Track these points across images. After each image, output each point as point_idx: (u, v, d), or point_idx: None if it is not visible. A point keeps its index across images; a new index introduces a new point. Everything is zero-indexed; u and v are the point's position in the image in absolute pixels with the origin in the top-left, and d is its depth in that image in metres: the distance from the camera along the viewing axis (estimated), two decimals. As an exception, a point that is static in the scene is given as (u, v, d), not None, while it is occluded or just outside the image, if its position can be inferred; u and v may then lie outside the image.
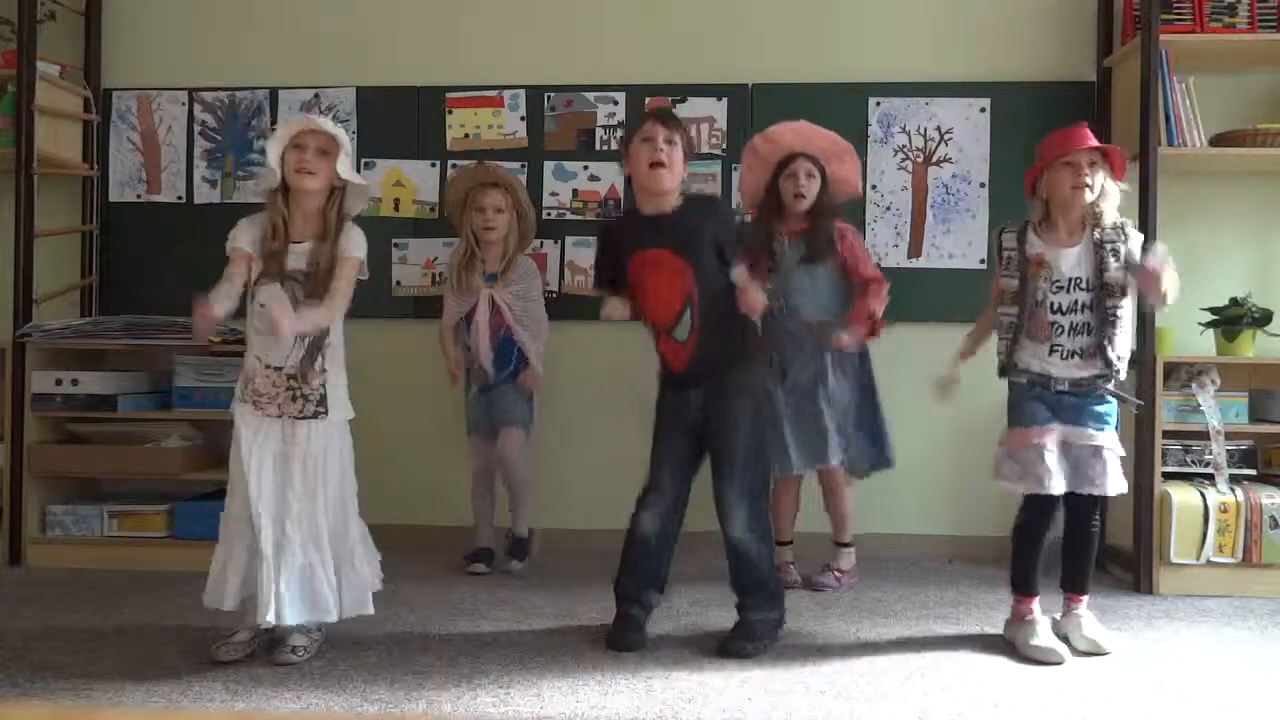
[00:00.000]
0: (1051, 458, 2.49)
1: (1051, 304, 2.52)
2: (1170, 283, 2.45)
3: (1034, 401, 2.54)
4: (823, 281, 3.14)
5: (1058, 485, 2.49)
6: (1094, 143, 2.50)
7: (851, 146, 3.21)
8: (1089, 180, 2.47)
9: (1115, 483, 2.51)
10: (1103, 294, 2.50)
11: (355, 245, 2.48)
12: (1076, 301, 2.51)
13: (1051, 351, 2.52)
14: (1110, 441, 2.53)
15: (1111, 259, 2.50)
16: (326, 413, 2.47)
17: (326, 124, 2.45)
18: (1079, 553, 2.59)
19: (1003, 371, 2.63)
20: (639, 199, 2.61)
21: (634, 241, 2.58)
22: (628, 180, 2.65)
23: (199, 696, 2.19)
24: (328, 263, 2.44)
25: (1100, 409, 2.53)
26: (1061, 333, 2.51)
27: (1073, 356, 2.51)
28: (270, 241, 2.46)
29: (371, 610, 2.51)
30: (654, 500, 2.60)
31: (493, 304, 3.32)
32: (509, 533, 3.40)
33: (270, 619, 2.33)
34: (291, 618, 2.37)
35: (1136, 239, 2.55)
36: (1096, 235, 2.51)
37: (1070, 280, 2.51)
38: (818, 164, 3.12)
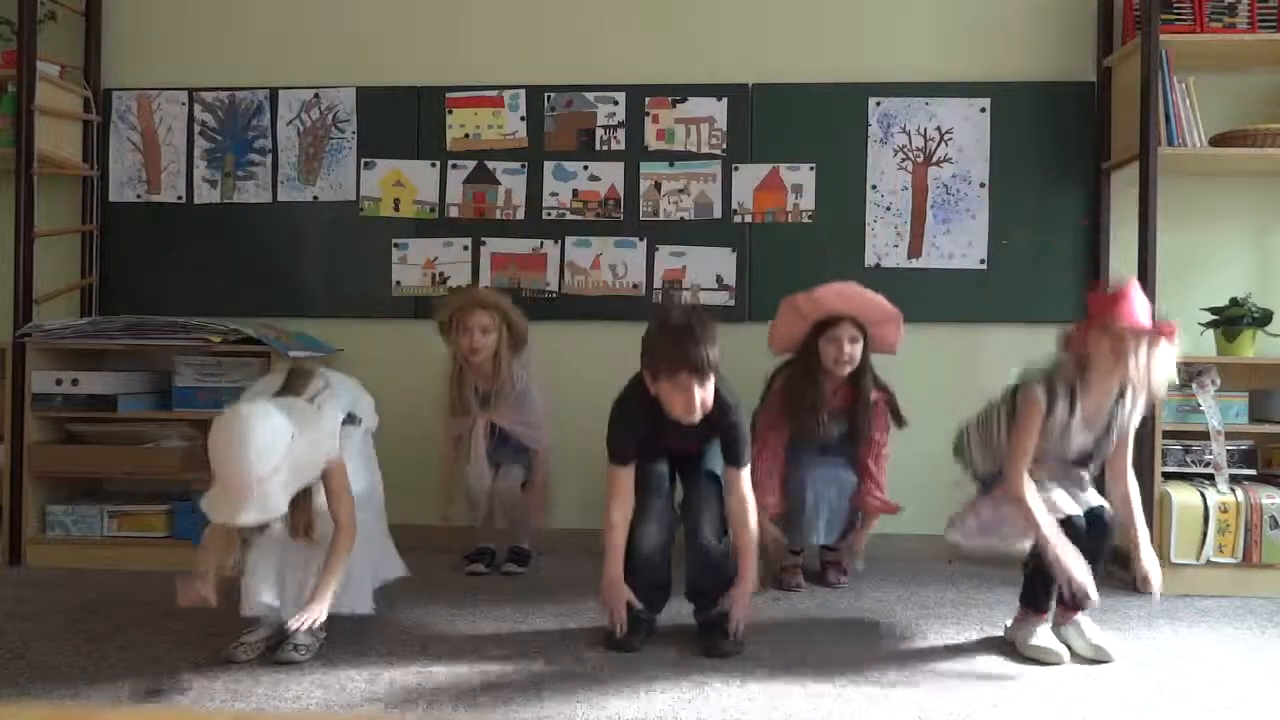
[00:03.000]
0: (1059, 494, 2.51)
1: (1056, 457, 2.54)
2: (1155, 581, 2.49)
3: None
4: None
5: (1073, 507, 2.50)
6: (1140, 316, 2.38)
7: (898, 313, 3.10)
8: (1134, 352, 2.36)
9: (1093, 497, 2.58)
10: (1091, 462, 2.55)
11: (324, 454, 2.36)
12: (1077, 447, 2.54)
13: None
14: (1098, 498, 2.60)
15: (1116, 434, 2.52)
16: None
17: (256, 519, 2.22)
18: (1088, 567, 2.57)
19: (960, 454, 2.73)
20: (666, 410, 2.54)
21: (655, 435, 2.60)
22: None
23: (199, 696, 2.19)
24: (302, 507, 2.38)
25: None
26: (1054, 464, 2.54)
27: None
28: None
29: (369, 609, 2.51)
30: (650, 508, 2.62)
31: (490, 429, 3.26)
32: (511, 545, 3.40)
33: (264, 613, 2.36)
34: (278, 612, 2.40)
35: (1141, 408, 2.53)
36: (1116, 408, 2.49)
37: (1074, 453, 2.53)
38: (861, 328, 3.06)
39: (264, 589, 2.40)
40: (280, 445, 2.20)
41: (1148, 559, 2.50)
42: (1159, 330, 2.38)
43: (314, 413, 2.37)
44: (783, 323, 3.16)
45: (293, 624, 2.30)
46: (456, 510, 3.33)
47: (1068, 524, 2.48)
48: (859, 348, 3.06)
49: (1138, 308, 2.39)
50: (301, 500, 2.33)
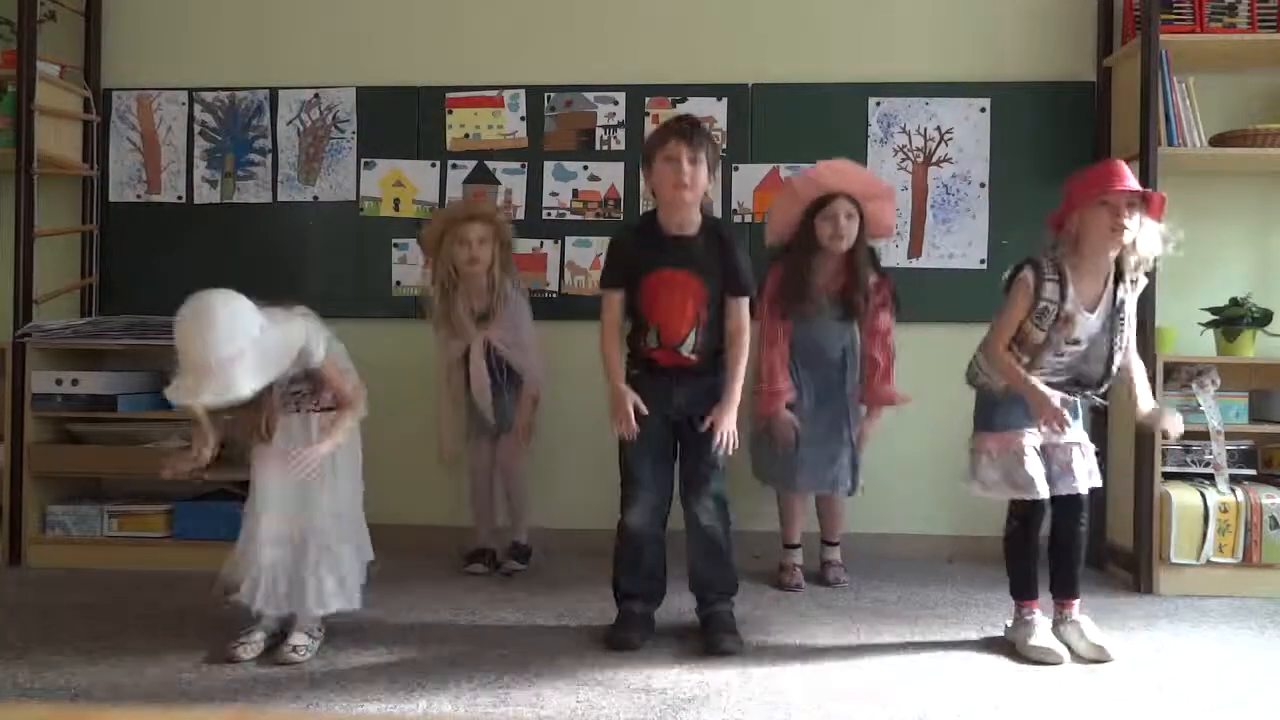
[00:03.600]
0: (1033, 461, 2.50)
1: (1058, 352, 2.52)
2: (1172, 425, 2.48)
3: (1010, 405, 2.53)
4: (851, 332, 3.17)
5: (1044, 489, 2.49)
6: (1134, 184, 2.41)
7: (891, 188, 3.18)
8: (1127, 222, 2.39)
9: (1095, 478, 2.56)
10: (1110, 347, 2.50)
11: (313, 356, 2.39)
12: (1078, 353, 2.52)
13: (1034, 374, 2.50)
14: (1085, 437, 2.57)
15: (1123, 323, 2.50)
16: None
17: (215, 398, 2.21)
18: (1069, 556, 2.58)
19: (973, 378, 2.65)
20: (660, 212, 2.61)
21: (652, 260, 2.59)
22: (652, 193, 2.65)
23: (199, 696, 2.19)
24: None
25: (1072, 403, 2.56)
26: (1050, 371, 2.53)
27: (1052, 385, 2.51)
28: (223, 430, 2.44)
29: (357, 605, 2.52)
30: (639, 497, 2.60)
31: (488, 348, 3.24)
32: (511, 541, 3.40)
33: (259, 607, 2.38)
34: (273, 607, 2.41)
35: (1140, 286, 2.53)
36: (1120, 294, 2.48)
37: (1084, 340, 2.51)
38: (856, 204, 3.07)
39: (258, 597, 2.41)
40: (243, 329, 2.21)
41: (1146, 405, 2.50)
42: (1151, 196, 2.42)
43: (288, 315, 2.38)
44: (779, 209, 3.17)
45: (293, 461, 2.34)
46: (459, 446, 3.34)
47: (1034, 507, 2.50)
48: (855, 224, 3.06)
49: (1130, 176, 2.41)
50: (262, 403, 2.34)
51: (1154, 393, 3.09)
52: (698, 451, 2.61)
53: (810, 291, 3.06)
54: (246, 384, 2.21)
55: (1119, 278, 2.48)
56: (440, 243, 3.24)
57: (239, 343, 2.19)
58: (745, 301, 2.60)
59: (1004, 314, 2.53)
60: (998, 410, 2.57)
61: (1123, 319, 2.49)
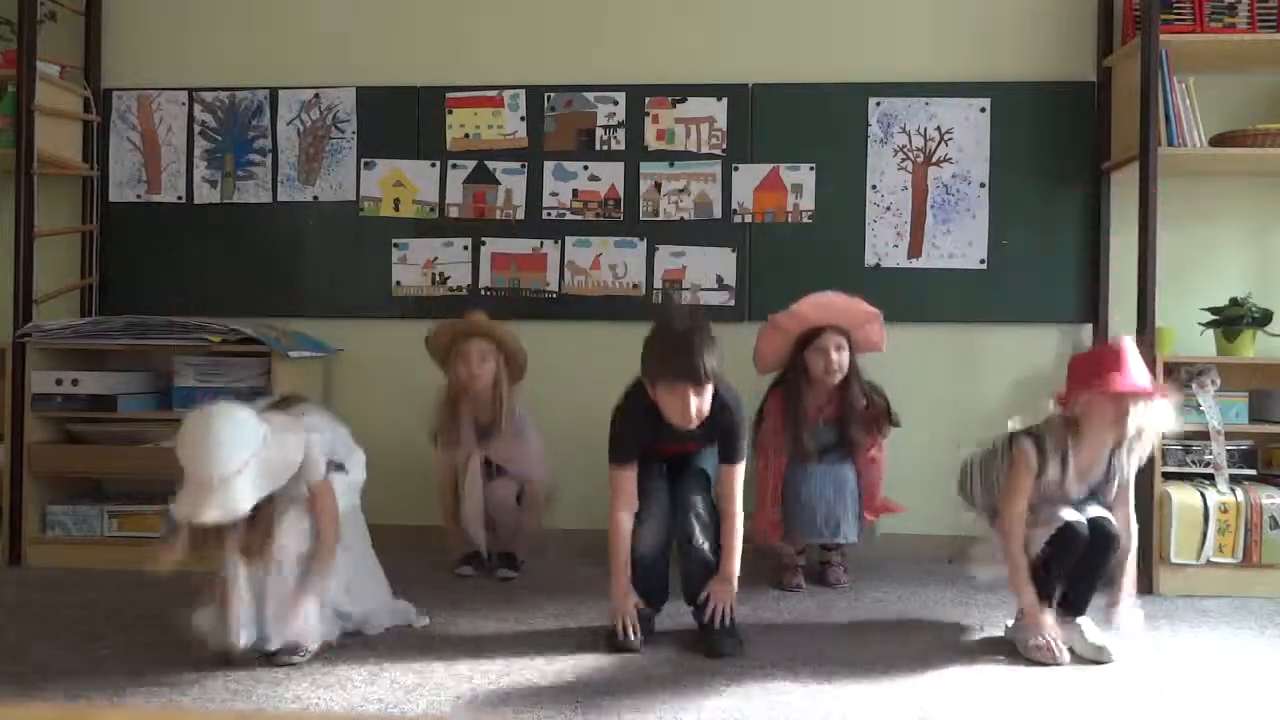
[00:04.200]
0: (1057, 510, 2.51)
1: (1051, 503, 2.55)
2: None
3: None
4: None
5: (1073, 514, 2.50)
6: (1139, 377, 2.39)
7: (877, 313, 3.14)
8: (1132, 413, 2.40)
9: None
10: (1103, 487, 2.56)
11: (313, 471, 2.40)
12: (1082, 491, 2.57)
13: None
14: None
15: (1116, 484, 2.55)
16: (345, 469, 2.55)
17: (219, 516, 2.21)
18: (1087, 583, 2.55)
19: (969, 502, 2.75)
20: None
21: (656, 437, 2.62)
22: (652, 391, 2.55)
23: (199, 696, 2.19)
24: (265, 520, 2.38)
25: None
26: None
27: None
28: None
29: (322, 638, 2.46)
30: (645, 524, 2.62)
31: (486, 465, 3.22)
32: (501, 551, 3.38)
33: (244, 644, 2.32)
34: (254, 641, 2.36)
35: (1141, 455, 2.56)
36: (1113, 460, 2.52)
37: (1077, 496, 2.55)
38: (845, 334, 3.09)
39: (242, 630, 2.33)
40: (246, 443, 2.21)
41: (1126, 605, 2.52)
42: (1158, 392, 2.42)
43: (290, 420, 2.39)
44: (766, 341, 3.19)
45: (274, 645, 2.33)
46: (461, 545, 3.31)
47: (1069, 530, 2.48)
48: (846, 354, 3.09)
49: (1136, 370, 2.40)
50: (261, 515, 2.32)
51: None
52: (685, 470, 2.67)
53: (808, 429, 3.09)
54: (249, 500, 2.22)
55: (1116, 449, 2.52)
56: (448, 354, 3.23)
57: (242, 457, 2.20)
58: (739, 469, 2.62)
59: (1012, 484, 2.54)
60: None
61: (1110, 488, 2.54)
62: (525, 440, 3.27)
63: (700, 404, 2.47)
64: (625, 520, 2.58)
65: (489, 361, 3.19)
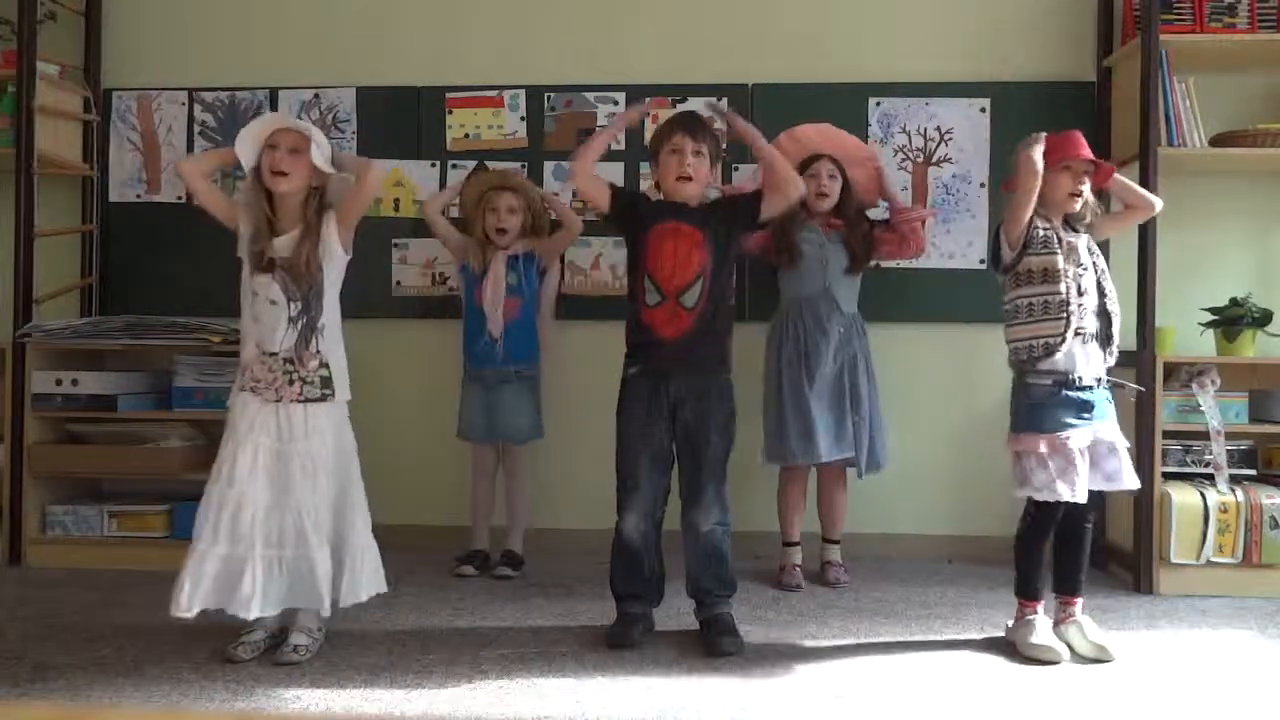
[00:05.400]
0: (1084, 463, 2.49)
1: (1077, 286, 2.54)
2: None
3: (1060, 405, 2.50)
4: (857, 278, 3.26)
5: (1084, 492, 2.49)
6: (1088, 153, 2.58)
7: (876, 155, 3.29)
8: (1083, 188, 2.58)
9: (1131, 477, 2.54)
10: (1100, 278, 2.60)
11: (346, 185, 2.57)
12: (1091, 283, 2.57)
13: (1076, 334, 2.50)
14: (1118, 434, 2.56)
15: (1096, 260, 2.61)
16: (333, 394, 2.51)
17: (296, 122, 2.51)
18: (1075, 552, 2.58)
19: (1021, 370, 2.59)
20: (665, 195, 2.70)
21: (656, 216, 2.66)
22: (656, 184, 2.75)
23: (199, 696, 2.19)
24: (312, 254, 2.48)
25: (1108, 403, 2.57)
26: (1084, 313, 2.53)
27: (1092, 341, 2.54)
28: (254, 243, 2.48)
29: (364, 598, 2.48)
30: (635, 501, 2.60)
31: (509, 260, 3.30)
32: (505, 548, 3.38)
33: (254, 612, 2.33)
34: (273, 608, 2.38)
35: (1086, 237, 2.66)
36: (1074, 240, 2.60)
37: (1089, 264, 2.58)
38: (840, 166, 3.21)
39: (196, 599, 2.34)
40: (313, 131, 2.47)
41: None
42: (1104, 165, 2.62)
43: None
44: None
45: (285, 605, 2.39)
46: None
47: (1055, 508, 2.49)
48: (837, 184, 3.20)
49: (1080, 146, 2.57)
50: (308, 236, 2.48)
51: (1153, 392, 3.10)
52: (697, 459, 2.62)
53: (794, 244, 3.16)
54: (311, 135, 2.44)
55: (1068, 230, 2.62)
56: (478, 205, 3.33)
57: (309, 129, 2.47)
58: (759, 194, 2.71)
59: (1014, 197, 2.60)
60: (1045, 411, 2.51)
61: (1095, 258, 2.60)
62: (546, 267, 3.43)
63: (696, 162, 2.59)
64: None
65: (516, 214, 3.32)
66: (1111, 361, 2.58)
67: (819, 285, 3.18)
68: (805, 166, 3.16)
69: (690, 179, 2.61)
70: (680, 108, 3.65)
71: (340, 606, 2.46)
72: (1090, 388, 2.52)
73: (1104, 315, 2.57)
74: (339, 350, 2.56)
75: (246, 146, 2.46)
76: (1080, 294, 2.53)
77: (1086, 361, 2.52)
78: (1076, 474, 2.47)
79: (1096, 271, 2.58)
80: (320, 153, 2.46)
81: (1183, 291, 3.41)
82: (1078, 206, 2.59)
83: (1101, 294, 2.57)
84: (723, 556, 2.60)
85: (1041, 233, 2.55)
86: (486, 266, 3.29)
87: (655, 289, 2.61)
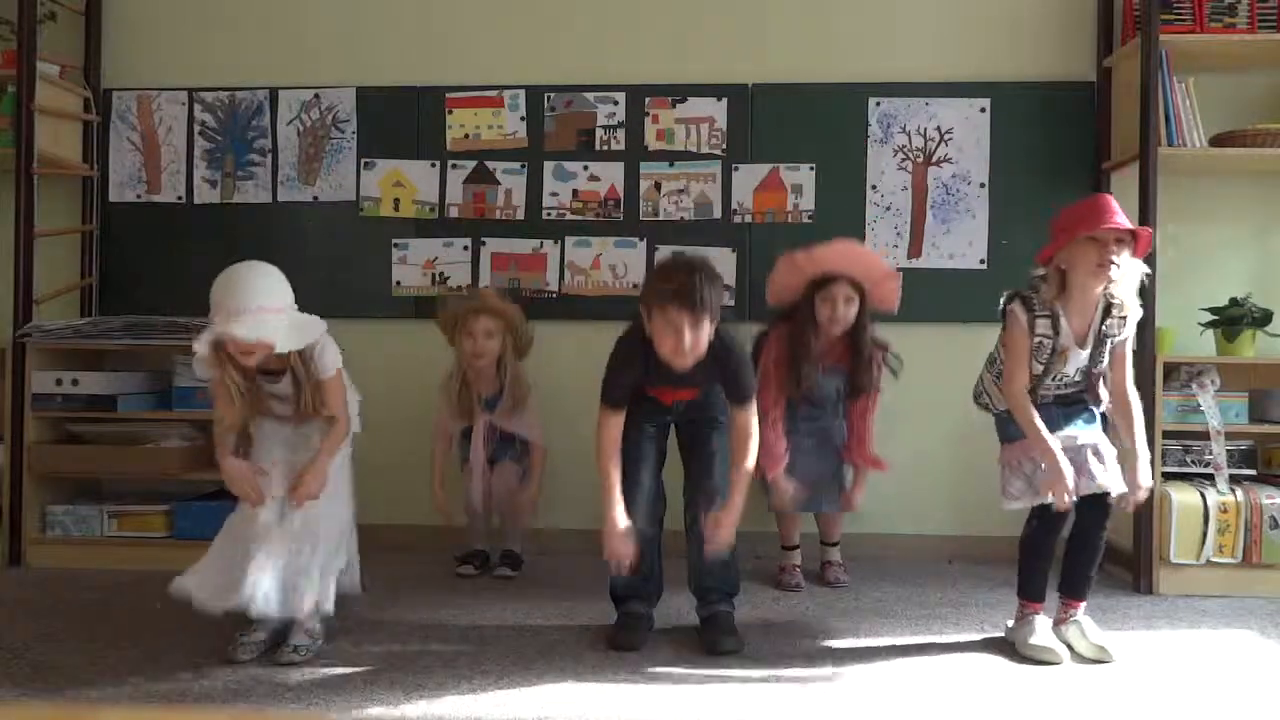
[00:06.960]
0: (1066, 467, 2.47)
1: (1057, 382, 2.55)
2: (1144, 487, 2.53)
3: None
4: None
5: (1063, 497, 2.48)
6: (1122, 220, 2.40)
7: (895, 272, 3.12)
8: (1115, 259, 2.39)
9: (1115, 480, 2.51)
10: (1091, 378, 2.56)
11: (329, 364, 2.48)
12: (1074, 384, 2.57)
13: (1043, 404, 2.54)
14: (1104, 439, 2.55)
15: (1107, 356, 2.54)
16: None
17: (247, 334, 2.29)
18: (1085, 558, 2.56)
19: (977, 397, 2.73)
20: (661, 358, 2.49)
21: (651, 383, 2.59)
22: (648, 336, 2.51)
23: (199, 696, 2.19)
24: (308, 386, 2.46)
25: (1087, 410, 2.58)
26: (1050, 397, 2.56)
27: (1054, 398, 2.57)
28: (241, 404, 2.44)
29: (330, 607, 2.47)
30: (634, 500, 2.58)
31: (490, 430, 3.26)
32: (504, 548, 3.38)
33: (259, 608, 2.34)
34: (274, 609, 2.38)
35: (1134, 319, 2.54)
36: (1104, 327, 2.50)
37: (1074, 374, 2.54)
38: (858, 287, 3.04)
39: (205, 589, 2.37)
40: (279, 292, 2.36)
41: (1143, 474, 2.50)
42: (1140, 233, 2.43)
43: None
44: (780, 276, 3.14)
45: (292, 506, 2.41)
46: (456, 515, 3.32)
47: (1047, 510, 2.49)
48: (853, 309, 3.04)
49: (1118, 211, 2.41)
50: (307, 377, 2.43)
51: (1153, 393, 3.10)
52: (702, 458, 2.61)
53: (807, 375, 3.04)
54: (278, 336, 2.29)
55: (1106, 313, 2.50)
56: (455, 330, 3.26)
57: (278, 300, 2.31)
58: (751, 408, 2.52)
59: (1010, 352, 2.54)
60: (1011, 424, 2.56)
61: (1103, 352, 2.53)
62: (527, 410, 3.31)
63: (695, 339, 2.36)
64: (612, 468, 2.49)
65: (494, 339, 3.22)
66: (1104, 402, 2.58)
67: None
68: (820, 286, 3.02)
69: (686, 356, 2.40)
70: (680, 108, 3.66)
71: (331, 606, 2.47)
72: (1053, 403, 2.55)
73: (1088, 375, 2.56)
74: (353, 398, 2.62)
75: (203, 344, 2.37)
76: (1056, 384, 2.54)
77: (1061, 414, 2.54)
78: (1056, 478, 2.45)
79: (1095, 355, 2.52)
80: (286, 342, 2.34)
81: (1183, 292, 3.41)
82: (1111, 278, 2.41)
83: (1092, 364, 2.53)
84: (728, 559, 2.59)
85: (1037, 338, 2.48)
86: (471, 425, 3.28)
87: (652, 398, 2.66)
